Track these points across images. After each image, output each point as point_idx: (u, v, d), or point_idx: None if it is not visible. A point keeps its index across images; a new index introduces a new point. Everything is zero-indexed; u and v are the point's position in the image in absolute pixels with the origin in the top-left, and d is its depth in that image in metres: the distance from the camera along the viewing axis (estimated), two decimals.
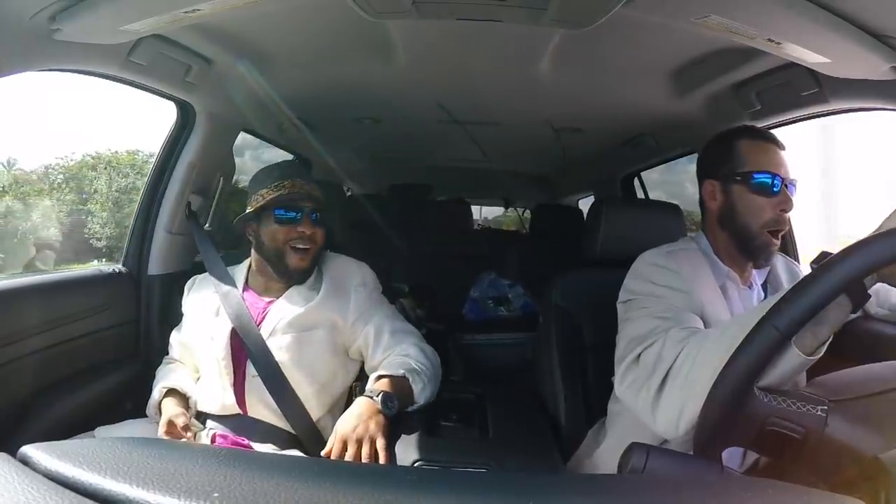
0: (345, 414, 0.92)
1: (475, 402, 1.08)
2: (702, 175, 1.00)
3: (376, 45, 1.22)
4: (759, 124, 1.28)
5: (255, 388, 1.08)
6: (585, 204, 3.27)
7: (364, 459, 0.83)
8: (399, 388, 0.98)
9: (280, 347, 1.09)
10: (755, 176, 0.92)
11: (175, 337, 1.24)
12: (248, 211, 1.13)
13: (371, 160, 2.81)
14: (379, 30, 1.13)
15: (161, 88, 1.30)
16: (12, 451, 0.38)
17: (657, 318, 0.85)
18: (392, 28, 1.13)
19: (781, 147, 0.95)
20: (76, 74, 1.09)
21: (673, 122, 1.63)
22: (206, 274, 1.23)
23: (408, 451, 0.86)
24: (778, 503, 0.40)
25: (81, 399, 1.25)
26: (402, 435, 0.91)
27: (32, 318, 1.15)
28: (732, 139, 0.97)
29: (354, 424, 0.87)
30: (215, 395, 1.10)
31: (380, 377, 1.00)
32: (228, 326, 1.11)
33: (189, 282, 1.27)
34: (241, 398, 1.09)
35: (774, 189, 0.91)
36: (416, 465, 0.83)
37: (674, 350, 0.77)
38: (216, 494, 0.33)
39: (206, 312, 1.16)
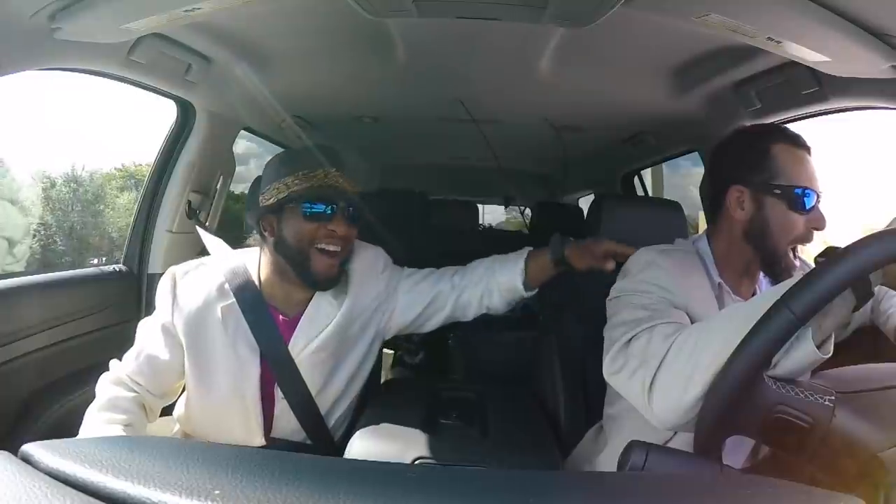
0: (574, 255, 1.06)
1: (475, 401, 1.08)
2: (726, 178, 0.90)
3: (376, 43, 1.22)
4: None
5: (281, 412, 1.00)
6: (586, 203, 3.26)
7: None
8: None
9: (311, 370, 0.99)
10: (796, 191, 0.84)
11: (152, 360, 0.98)
12: (267, 202, 0.97)
13: (370, 158, 2.81)
14: (379, 28, 1.12)
15: (161, 87, 1.30)
16: (14, 450, 0.39)
17: (644, 310, 0.83)
18: (392, 26, 1.13)
19: (811, 154, 0.88)
20: (78, 74, 1.09)
21: (673, 121, 1.63)
22: (198, 271, 1.02)
23: (407, 448, 0.86)
24: (777, 501, 0.40)
25: (83, 397, 1.25)
26: (402, 432, 0.91)
27: (33, 316, 1.16)
28: (766, 142, 0.88)
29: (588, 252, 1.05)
30: (234, 427, 0.99)
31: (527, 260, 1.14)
32: (257, 354, 0.97)
33: (167, 279, 1.01)
34: (267, 426, 1.00)
35: (811, 206, 0.85)
36: (415, 462, 0.84)
37: (663, 344, 0.75)
38: (217, 492, 0.34)
39: (217, 332, 0.97)
